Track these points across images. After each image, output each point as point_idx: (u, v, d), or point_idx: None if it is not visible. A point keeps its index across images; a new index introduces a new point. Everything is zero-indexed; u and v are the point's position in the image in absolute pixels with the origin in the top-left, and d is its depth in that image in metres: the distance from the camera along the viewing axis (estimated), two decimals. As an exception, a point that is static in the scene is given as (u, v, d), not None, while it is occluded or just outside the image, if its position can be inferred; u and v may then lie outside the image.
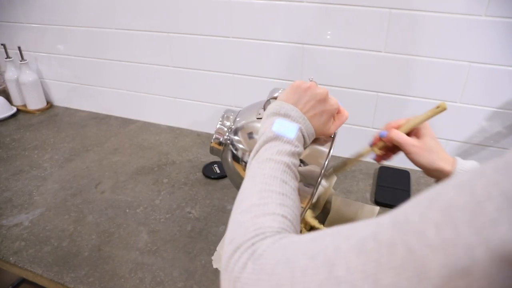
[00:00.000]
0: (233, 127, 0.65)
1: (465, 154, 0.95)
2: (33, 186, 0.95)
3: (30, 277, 0.72)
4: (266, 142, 0.45)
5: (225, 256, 0.34)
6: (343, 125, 0.55)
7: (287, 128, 0.46)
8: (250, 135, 0.62)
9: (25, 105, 1.39)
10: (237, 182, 0.66)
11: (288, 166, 0.43)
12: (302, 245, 0.30)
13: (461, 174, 0.25)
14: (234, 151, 0.63)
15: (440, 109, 0.54)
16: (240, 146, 0.63)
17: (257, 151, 0.45)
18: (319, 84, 0.53)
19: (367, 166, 1.04)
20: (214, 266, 0.68)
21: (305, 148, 0.49)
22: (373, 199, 0.89)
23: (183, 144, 1.16)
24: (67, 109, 1.42)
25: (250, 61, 1.05)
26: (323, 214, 0.80)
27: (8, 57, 1.32)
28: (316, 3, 0.91)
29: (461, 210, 0.22)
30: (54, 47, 1.31)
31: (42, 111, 1.39)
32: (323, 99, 0.50)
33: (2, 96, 1.35)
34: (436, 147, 0.55)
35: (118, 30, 1.17)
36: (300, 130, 0.48)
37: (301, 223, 0.75)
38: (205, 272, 0.70)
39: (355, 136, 1.04)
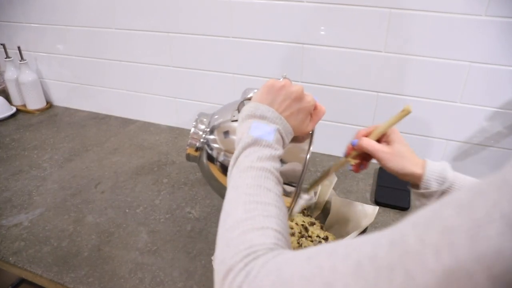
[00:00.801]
0: (208, 129, 0.62)
1: (465, 154, 0.95)
2: (32, 186, 0.95)
3: (30, 277, 0.72)
4: (245, 148, 0.44)
5: (217, 277, 0.33)
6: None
7: (265, 131, 0.45)
8: (226, 134, 0.60)
9: (24, 105, 1.39)
10: (217, 187, 0.64)
11: (270, 171, 0.42)
12: (297, 265, 0.29)
13: (458, 191, 0.24)
14: (210, 152, 0.61)
15: (405, 113, 0.55)
16: (216, 145, 0.61)
17: (237, 158, 0.44)
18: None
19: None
20: (214, 266, 0.67)
21: (284, 148, 0.48)
22: (373, 199, 0.89)
23: (183, 144, 1.16)
24: (66, 109, 1.42)
25: (250, 61, 1.05)
26: (323, 214, 0.80)
27: (7, 57, 1.31)
28: (316, 3, 0.91)
29: (461, 234, 0.21)
30: (54, 47, 1.31)
31: (41, 111, 1.39)
32: (299, 97, 0.49)
33: (2, 96, 1.35)
34: (405, 152, 0.56)
35: (118, 30, 1.17)
36: (278, 131, 0.46)
37: (290, 220, 0.75)
38: (205, 272, 0.69)
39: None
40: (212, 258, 0.70)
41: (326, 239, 0.72)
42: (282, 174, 0.46)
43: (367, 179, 0.98)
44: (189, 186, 0.95)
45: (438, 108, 0.92)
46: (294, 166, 0.55)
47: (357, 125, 1.03)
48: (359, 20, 0.89)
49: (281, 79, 0.51)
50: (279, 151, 0.45)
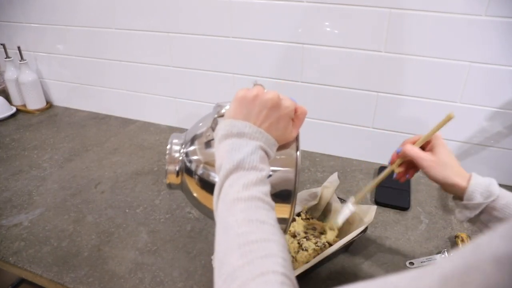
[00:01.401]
0: (184, 150, 0.56)
1: (465, 154, 0.95)
2: (32, 186, 0.95)
3: (30, 277, 0.72)
4: (227, 175, 0.40)
5: None
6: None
7: (246, 152, 0.41)
8: (208, 145, 0.54)
9: (24, 105, 1.39)
10: (207, 211, 0.55)
11: (259, 199, 0.38)
12: None
13: (458, 255, 0.22)
14: (190, 166, 0.54)
15: (448, 118, 0.54)
16: (195, 157, 0.54)
17: (220, 188, 0.40)
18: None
19: (367, 166, 1.04)
20: (214, 266, 0.67)
21: (270, 161, 0.45)
22: (373, 199, 0.89)
23: (183, 144, 1.16)
24: (66, 109, 1.42)
25: (250, 61, 1.05)
26: (324, 216, 0.80)
27: (7, 57, 1.31)
28: (316, 2, 0.91)
29: None
30: (54, 47, 1.31)
31: (41, 111, 1.39)
32: (276, 105, 0.44)
33: (2, 96, 1.35)
34: (450, 162, 0.54)
35: (118, 30, 1.17)
36: (261, 148, 0.43)
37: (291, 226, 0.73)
38: (205, 272, 0.69)
39: (356, 136, 1.03)
40: (212, 257, 0.70)
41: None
42: (275, 184, 0.44)
43: (366, 179, 0.98)
44: (189, 186, 0.95)
45: (438, 108, 0.92)
46: (287, 173, 0.50)
47: (357, 125, 1.03)
48: (359, 20, 0.89)
49: (252, 87, 0.46)
50: (265, 171, 0.41)
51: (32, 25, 1.28)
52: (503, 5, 0.76)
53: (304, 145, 1.12)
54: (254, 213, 0.37)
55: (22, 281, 1.36)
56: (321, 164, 1.05)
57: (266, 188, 0.41)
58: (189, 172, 0.55)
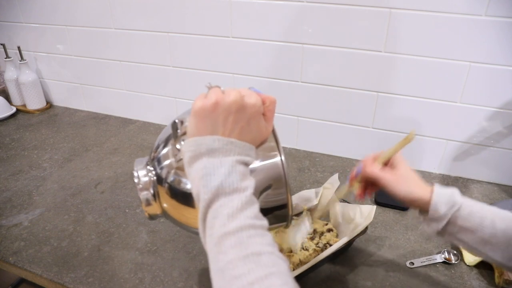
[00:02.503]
0: (152, 169, 0.50)
1: (465, 154, 0.95)
2: (32, 186, 0.95)
3: (30, 277, 0.72)
4: (208, 207, 0.36)
5: None
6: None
7: (222, 173, 0.36)
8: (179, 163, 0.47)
9: (24, 105, 1.39)
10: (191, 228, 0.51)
11: (250, 226, 0.34)
12: None
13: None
14: (165, 178, 0.48)
15: (409, 140, 0.54)
16: (166, 164, 0.48)
17: (204, 221, 0.36)
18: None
19: (367, 166, 1.04)
20: None
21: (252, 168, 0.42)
22: (373, 199, 0.89)
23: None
24: (66, 109, 1.42)
25: (250, 61, 1.05)
26: (324, 218, 0.80)
27: (7, 57, 1.31)
28: (316, 3, 0.91)
29: None
30: (54, 47, 1.30)
31: (41, 111, 1.39)
32: (241, 106, 0.39)
33: (2, 96, 1.35)
34: (412, 176, 0.54)
35: (118, 30, 1.17)
36: (237, 162, 0.38)
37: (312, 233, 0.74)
38: (204, 272, 0.69)
39: (356, 136, 1.03)
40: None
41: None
42: (265, 180, 0.42)
43: (367, 179, 0.98)
44: (189, 186, 0.95)
45: (438, 108, 0.92)
46: (273, 168, 0.46)
47: (357, 125, 1.03)
48: (359, 20, 0.89)
49: (207, 91, 0.41)
50: (249, 188, 0.37)
51: (32, 25, 1.28)
52: (503, 5, 0.76)
53: (304, 145, 1.12)
54: (248, 246, 0.33)
55: (22, 281, 1.36)
56: (321, 164, 1.05)
57: (254, 208, 0.37)
58: (167, 190, 0.49)
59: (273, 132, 0.45)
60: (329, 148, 1.09)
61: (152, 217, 0.52)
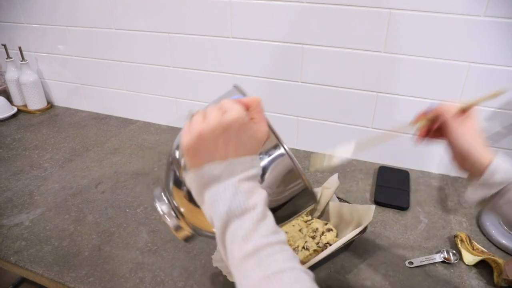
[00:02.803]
0: (171, 198, 0.51)
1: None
2: (33, 186, 0.95)
3: (31, 277, 0.72)
4: (223, 233, 0.36)
5: None
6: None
7: (228, 197, 0.36)
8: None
9: (25, 105, 1.39)
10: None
11: (267, 245, 0.34)
12: None
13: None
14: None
15: (497, 94, 0.51)
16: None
17: (224, 247, 0.37)
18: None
19: (367, 166, 1.04)
20: (214, 265, 0.68)
21: (263, 176, 0.41)
22: (373, 199, 0.90)
23: (183, 144, 1.16)
24: (67, 109, 1.42)
25: (250, 61, 1.06)
26: (323, 217, 0.80)
27: (8, 57, 1.32)
28: (315, 3, 0.91)
29: None
30: (55, 47, 1.31)
31: (42, 111, 1.39)
32: (225, 126, 0.37)
33: (3, 96, 1.35)
34: (479, 135, 0.50)
35: (118, 31, 1.18)
36: (240, 180, 0.37)
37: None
38: (205, 272, 0.70)
39: (355, 136, 1.04)
40: (212, 257, 0.70)
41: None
42: (280, 178, 0.42)
43: (367, 179, 0.98)
44: (189, 186, 0.95)
45: (437, 108, 0.92)
46: (283, 164, 0.45)
47: (356, 125, 1.03)
48: (359, 21, 0.90)
49: (189, 119, 0.40)
50: (259, 204, 0.37)
51: (33, 25, 1.29)
52: (502, 5, 0.77)
53: (304, 145, 1.12)
54: (267, 266, 0.33)
55: (23, 280, 1.37)
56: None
57: (268, 224, 0.36)
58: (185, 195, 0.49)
59: (269, 127, 0.44)
60: (329, 148, 1.09)
61: (187, 239, 0.53)
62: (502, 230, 0.77)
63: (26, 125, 1.29)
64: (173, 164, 0.49)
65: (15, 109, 1.37)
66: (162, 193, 0.52)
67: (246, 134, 0.39)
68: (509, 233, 0.76)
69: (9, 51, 1.32)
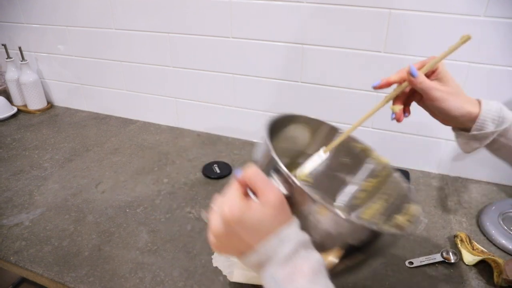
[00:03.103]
0: None
1: (464, 154, 0.95)
2: (33, 186, 0.95)
3: (31, 277, 0.72)
4: None
5: None
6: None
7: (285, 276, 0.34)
8: None
9: (25, 105, 1.39)
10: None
11: None
12: None
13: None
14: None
15: (464, 39, 0.46)
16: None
17: None
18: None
19: (366, 166, 1.04)
20: (214, 265, 0.68)
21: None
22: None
23: (183, 144, 1.16)
24: (67, 109, 1.42)
25: (250, 61, 1.06)
26: None
27: (8, 57, 1.32)
28: (315, 3, 0.91)
29: None
30: (55, 47, 1.31)
31: (42, 111, 1.39)
32: (222, 227, 0.37)
33: (3, 96, 1.35)
34: (460, 90, 0.48)
35: (118, 31, 1.18)
36: (275, 269, 0.34)
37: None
38: (205, 272, 0.70)
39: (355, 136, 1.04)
40: (212, 257, 0.70)
41: None
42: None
43: (366, 179, 0.98)
44: (189, 186, 0.95)
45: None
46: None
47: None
48: (359, 21, 0.90)
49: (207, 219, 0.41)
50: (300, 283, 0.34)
51: (33, 25, 1.29)
52: (502, 6, 0.77)
53: (304, 145, 1.12)
54: None
55: (23, 280, 1.37)
56: (321, 164, 1.05)
57: (322, 276, 0.34)
58: None
59: (293, 183, 0.36)
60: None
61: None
62: (502, 230, 0.77)
63: (26, 125, 1.29)
64: None
65: (15, 109, 1.37)
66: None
67: (252, 219, 0.35)
68: (509, 233, 0.77)
69: (9, 51, 1.32)
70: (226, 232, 0.36)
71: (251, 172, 0.37)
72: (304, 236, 0.36)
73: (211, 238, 0.39)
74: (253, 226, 0.35)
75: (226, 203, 0.36)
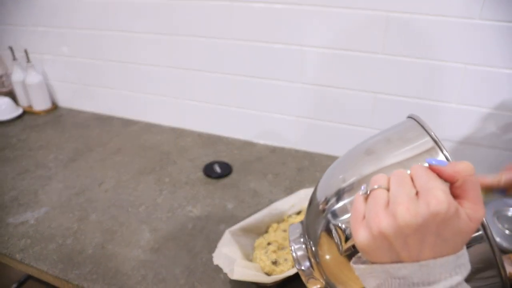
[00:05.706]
0: (309, 240, 0.45)
1: (460, 154, 0.96)
2: (38, 185, 0.97)
3: (36, 274, 0.74)
4: None
5: None
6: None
7: None
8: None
9: (30, 106, 1.41)
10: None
11: None
12: None
13: None
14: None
15: None
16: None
17: None
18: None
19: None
20: (215, 263, 0.69)
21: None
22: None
23: (184, 144, 1.18)
24: (71, 110, 1.44)
25: (250, 63, 1.07)
26: None
27: (14, 59, 1.34)
28: (314, 5, 0.92)
29: None
30: (59, 49, 1.33)
31: (47, 112, 1.41)
32: (421, 222, 0.27)
33: (9, 97, 1.37)
34: None
35: (120, 32, 1.19)
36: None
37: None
38: (206, 270, 0.71)
39: (355, 136, 1.05)
40: (213, 255, 0.71)
41: None
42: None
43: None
44: (190, 185, 0.97)
45: (435, 109, 0.93)
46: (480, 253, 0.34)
47: (355, 125, 1.04)
48: (357, 23, 0.91)
49: (366, 192, 0.31)
50: None
51: (38, 27, 1.31)
52: (497, 9, 0.78)
53: (303, 145, 1.14)
54: None
55: (29, 277, 1.39)
56: (320, 164, 1.06)
57: None
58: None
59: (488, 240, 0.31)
60: (328, 148, 1.11)
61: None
62: (497, 228, 0.78)
63: (31, 126, 1.31)
64: (328, 217, 0.42)
65: (21, 110, 1.39)
66: (302, 238, 0.47)
67: (450, 230, 0.28)
68: (504, 231, 0.77)
69: (15, 53, 1.34)
70: (408, 233, 0.28)
71: (468, 170, 0.29)
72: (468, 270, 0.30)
73: (377, 230, 0.28)
74: (442, 238, 0.28)
75: (439, 198, 0.27)
